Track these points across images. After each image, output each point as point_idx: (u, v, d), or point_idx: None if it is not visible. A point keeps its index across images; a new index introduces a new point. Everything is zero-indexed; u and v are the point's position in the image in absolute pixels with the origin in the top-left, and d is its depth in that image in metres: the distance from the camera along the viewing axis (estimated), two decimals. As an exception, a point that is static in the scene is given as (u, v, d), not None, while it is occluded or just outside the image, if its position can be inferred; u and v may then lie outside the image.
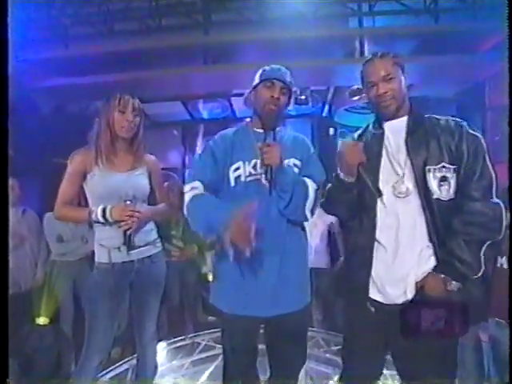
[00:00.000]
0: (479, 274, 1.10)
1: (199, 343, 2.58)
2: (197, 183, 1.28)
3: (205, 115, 5.45)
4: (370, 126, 1.34)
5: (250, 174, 1.30)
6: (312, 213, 1.30)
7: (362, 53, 3.37)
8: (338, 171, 1.25)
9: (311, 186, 1.29)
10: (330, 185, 1.32)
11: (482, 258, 1.10)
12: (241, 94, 4.60)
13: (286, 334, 1.35)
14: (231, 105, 5.08)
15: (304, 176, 1.31)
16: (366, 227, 1.24)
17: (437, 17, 3.33)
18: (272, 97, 1.28)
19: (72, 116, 4.15)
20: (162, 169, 1.79)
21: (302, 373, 2.18)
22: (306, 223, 1.40)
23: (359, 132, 1.39)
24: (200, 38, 3.52)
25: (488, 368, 2.04)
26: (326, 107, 5.14)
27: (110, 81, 3.51)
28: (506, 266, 1.96)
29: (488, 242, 1.11)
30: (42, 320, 2.19)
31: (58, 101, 3.99)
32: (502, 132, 3.45)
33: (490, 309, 1.98)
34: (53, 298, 2.32)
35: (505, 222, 1.09)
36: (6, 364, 0.93)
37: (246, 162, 1.31)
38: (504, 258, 1.98)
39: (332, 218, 2.85)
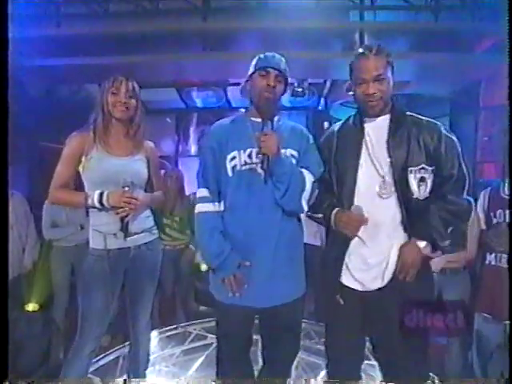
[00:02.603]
0: (446, 244, 1.19)
1: (190, 332, 2.57)
2: (204, 191, 1.36)
3: (199, 104, 5.36)
4: (351, 120, 1.34)
5: (246, 163, 1.30)
6: (308, 204, 1.31)
7: (361, 46, 3.35)
8: (332, 223, 1.27)
9: (308, 177, 1.29)
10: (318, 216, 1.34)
11: (448, 238, 1.20)
12: (237, 84, 4.54)
13: (281, 325, 1.36)
14: (226, 94, 5.01)
15: (301, 167, 1.31)
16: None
17: (437, 15, 3.34)
18: (268, 85, 1.28)
19: (62, 99, 4.02)
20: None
21: (294, 363, 2.22)
22: (301, 215, 1.41)
23: (339, 125, 1.39)
24: (198, 24, 3.44)
25: (471, 361, 2.11)
26: (322, 100, 5.13)
27: (102, 63, 3.39)
28: (493, 262, 2.03)
29: (452, 227, 1.20)
30: (31, 307, 2.14)
31: (48, 82, 3.84)
32: (491, 133, 3.54)
33: (477, 304, 2.05)
34: (44, 284, 2.27)
35: (472, 215, 1.25)
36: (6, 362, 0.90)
37: (242, 151, 1.30)
38: (492, 255, 2.04)
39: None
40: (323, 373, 2.11)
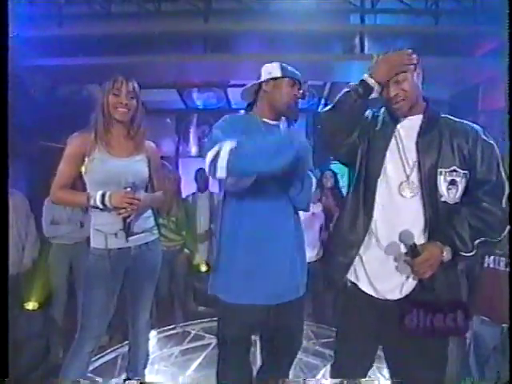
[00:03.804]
0: (469, 255, 1.11)
1: (189, 332, 2.58)
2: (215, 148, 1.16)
3: (200, 104, 5.38)
4: (386, 116, 1.29)
5: None
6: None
7: (361, 49, 3.38)
8: (365, 76, 1.17)
9: (314, 178, 1.35)
10: (344, 90, 1.21)
11: (475, 247, 1.12)
12: (237, 85, 4.56)
13: (286, 322, 1.37)
14: (227, 95, 5.02)
15: None
16: (361, 219, 1.23)
17: (437, 18, 3.36)
18: (295, 95, 1.36)
19: (63, 99, 4.02)
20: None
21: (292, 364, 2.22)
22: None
23: (376, 112, 1.33)
24: (199, 25, 3.46)
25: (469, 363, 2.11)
26: (322, 102, 5.15)
27: (104, 64, 3.40)
28: (492, 265, 2.04)
29: (484, 239, 1.12)
30: (31, 305, 2.14)
31: (49, 82, 3.85)
32: (492, 137, 3.55)
33: (475, 306, 2.06)
34: (44, 283, 2.27)
35: (507, 230, 1.12)
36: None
37: None
38: (491, 257, 2.05)
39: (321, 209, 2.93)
40: (321, 373, 2.12)
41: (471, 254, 1.11)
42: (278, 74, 1.35)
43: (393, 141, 1.23)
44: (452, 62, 3.35)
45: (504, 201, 1.13)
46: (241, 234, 1.30)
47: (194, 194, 3.39)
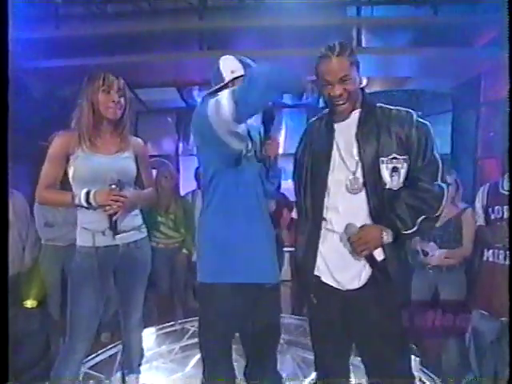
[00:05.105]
0: (410, 231, 1.17)
1: (188, 329, 2.59)
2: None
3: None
4: (323, 121, 1.34)
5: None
6: None
7: (358, 42, 3.34)
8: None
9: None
10: None
11: (417, 225, 1.17)
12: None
13: (269, 307, 1.39)
14: (226, 93, 5.01)
15: None
16: (313, 217, 1.27)
17: (436, 9, 3.29)
18: None
19: (62, 99, 4.06)
20: (156, 156, 1.77)
21: (290, 360, 2.23)
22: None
23: (311, 127, 1.41)
24: (195, 23, 3.45)
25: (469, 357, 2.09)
26: (322, 98, 5.10)
27: (102, 64, 3.42)
28: (491, 258, 2.01)
29: (424, 216, 1.18)
30: (29, 303, 2.18)
31: (48, 83, 3.88)
32: (492, 128, 3.48)
33: (474, 301, 2.04)
34: (42, 282, 2.30)
35: (444, 203, 1.18)
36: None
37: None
38: (490, 251, 2.02)
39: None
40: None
41: (411, 230, 1.16)
42: (241, 72, 1.32)
43: (334, 146, 1.25)
44: (452, 53, 3.28)
45: (439, 179, 1.18)
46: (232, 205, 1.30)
47: (193, 191, 3.40)
